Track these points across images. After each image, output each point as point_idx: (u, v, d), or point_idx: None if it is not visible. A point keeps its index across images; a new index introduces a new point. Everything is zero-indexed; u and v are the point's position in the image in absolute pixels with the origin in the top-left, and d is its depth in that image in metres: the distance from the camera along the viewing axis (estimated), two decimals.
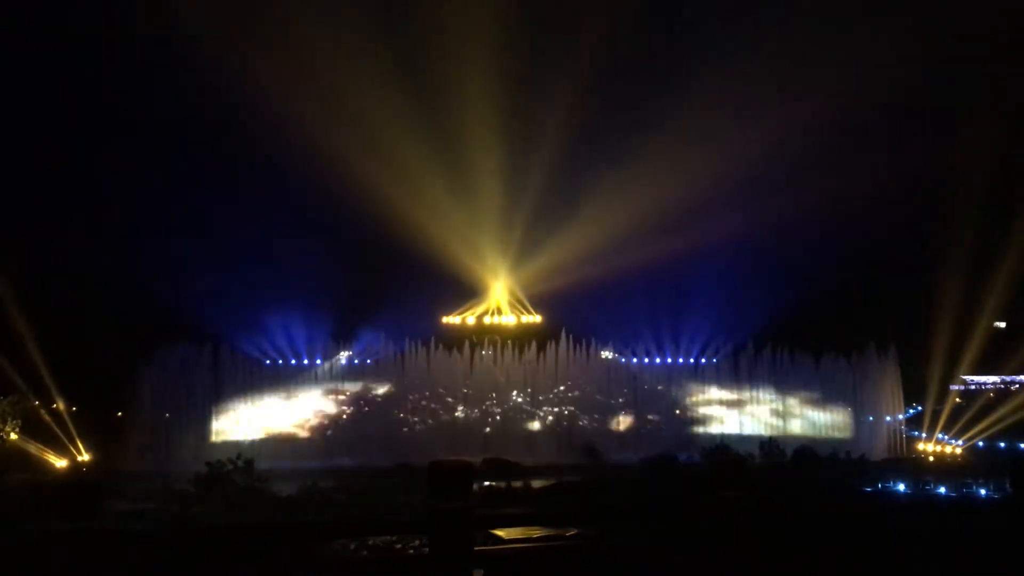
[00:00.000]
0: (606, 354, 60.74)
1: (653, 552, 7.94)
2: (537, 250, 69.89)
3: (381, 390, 57.33)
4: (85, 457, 46.20)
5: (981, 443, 49.98)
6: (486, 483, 33.98)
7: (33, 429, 45.67)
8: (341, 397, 57.49)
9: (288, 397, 56.67)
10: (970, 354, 54.94)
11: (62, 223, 66.83)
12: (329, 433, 55.41)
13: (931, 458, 48.83)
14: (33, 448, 43.91)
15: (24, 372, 46.09)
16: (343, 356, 59.68)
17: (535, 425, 56.87)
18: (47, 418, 46.87)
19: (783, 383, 58.09)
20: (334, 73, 67.29)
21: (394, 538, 17.02)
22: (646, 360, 61.56)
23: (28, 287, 49.74)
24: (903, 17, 67.66)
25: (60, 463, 44.16)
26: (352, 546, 17.35)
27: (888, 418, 56.99)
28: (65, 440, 46.04)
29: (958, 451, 49.88)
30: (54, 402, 48.50)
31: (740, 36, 68.08)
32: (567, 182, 70.80)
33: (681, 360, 61.66)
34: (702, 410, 58.72)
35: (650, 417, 57.87)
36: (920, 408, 57.48)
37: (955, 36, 68.91)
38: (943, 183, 67.47)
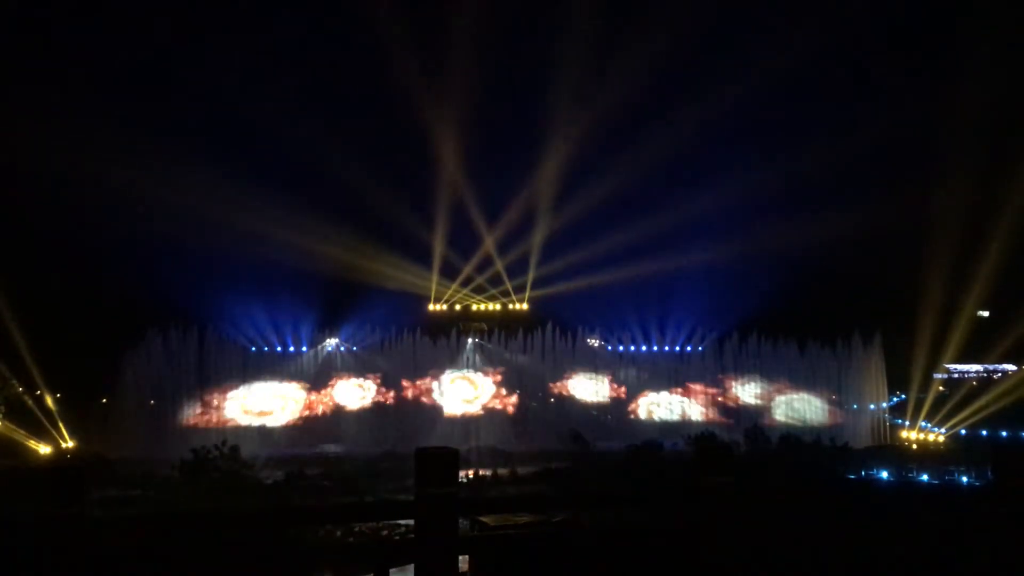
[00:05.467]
0: (592, 341, 60.84)
1: (639, 538, 7.97)
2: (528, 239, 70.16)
3: None
4: (69, 444, 45.98)
5: (963, 431, 50.39)
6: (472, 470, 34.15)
7: (17, 415, 45.39)
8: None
9: (274, 383, 56.42)
10: (953, 343, 55.33)
11: (46, 212, 66.23)
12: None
13: (914, 446, 49.20)
14: (17, 434, 43.66)
15: (8, 358, 45.78)
16: (329, 343, 59.49)
17: (521, 412, 56.86)
18: (31, 404, 46.60)
19: (768, 371, 58.33)
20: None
21: (380, 524, 17.09)
22: (632, 348, 61.70)
23: (11, 275, 49.33)
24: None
25: (44, 449, 43.95)
26: (338, 532, 17.41)
27: (872, 406, 57.36)
28: (49, 427, 45.81)
29: (941, 439, 50.27)
30: (38, 389, 48.19)
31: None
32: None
33: (667, 348, 61.84)
34: (687, 397, 58.83)
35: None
36: (904, 396, 57.85)
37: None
38: (929, 175, 67.78)
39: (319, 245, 66.22)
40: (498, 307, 71.47)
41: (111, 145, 67.01)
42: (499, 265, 70.67)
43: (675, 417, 56.73)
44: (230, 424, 52.86)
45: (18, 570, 6.14)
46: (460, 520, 7.14)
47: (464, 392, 57.16)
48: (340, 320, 60.05)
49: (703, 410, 57.64)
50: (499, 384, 57.80)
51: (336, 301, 62.03)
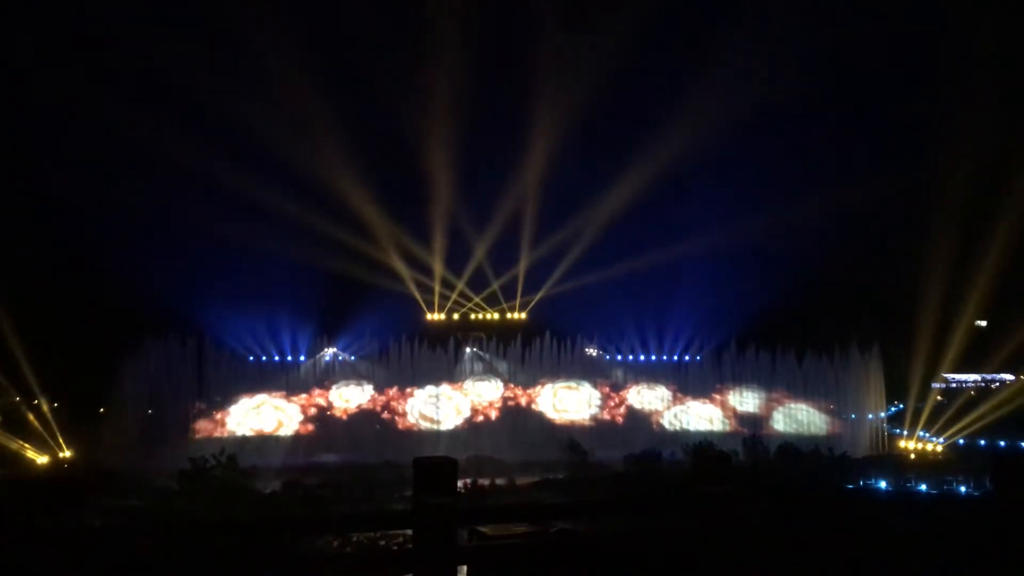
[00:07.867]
0: (590, 351, 60.83)
1: (638, 547, 7.97)
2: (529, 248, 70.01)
3: None
4: (67, 454, 45.89)
5: (962, 441, 50.35)
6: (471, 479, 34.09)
7: (14, 425, 45.30)
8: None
9: (272, 393, 56.26)
10: (952, 353, 55.29)
11: (43, 218, 66.20)
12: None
13: (912, 455, 49.18)
14: (14, 444, 43.55)
15: (5, 368, 45.71)
16: (327, 352, 59.35)
17: (519, 421, 56.78)
18: (28, 414, 46.51)
19: (766, 381, 58.27)
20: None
21: (378, 534, 17.05)
22: (630, 357, 61.68)
23: (9, 283, 49.27)
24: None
25: (42, 459, 43.85)
26: (336, 542, 17.36)
27: (870, 416, 57.29)
28: (47, 436, 45.70)
29: (939, 449, 50.25)
30: (36, 398, 48.10)
31: (736, 46, 68.08)
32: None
33: (665, 358, 61.78)
34: (685, 407, 58.78)
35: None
36: (902, 406, 57.81)
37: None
38: (927, 186, 67.73)
39: (318, 253, 66.06)
40: (496, 316, 71.38)
41: (110, 148, 67.14)
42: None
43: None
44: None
45: None
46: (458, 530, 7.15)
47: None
48: (339, 329, 59.98)
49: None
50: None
51: (334, 311, 61.90)
